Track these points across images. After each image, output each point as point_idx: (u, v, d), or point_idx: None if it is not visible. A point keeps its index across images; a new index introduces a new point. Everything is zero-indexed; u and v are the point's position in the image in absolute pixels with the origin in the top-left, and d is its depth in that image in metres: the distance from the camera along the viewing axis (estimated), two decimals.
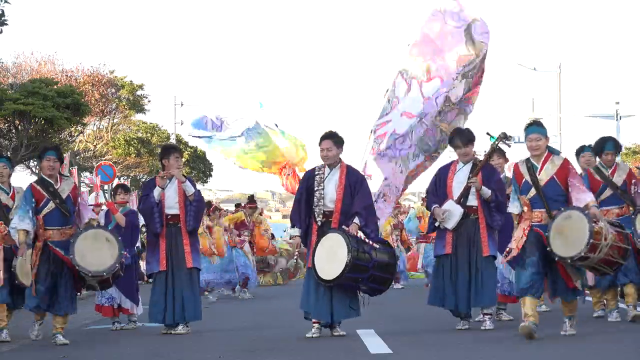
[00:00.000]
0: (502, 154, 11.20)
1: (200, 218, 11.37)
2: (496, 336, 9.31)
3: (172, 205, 10.96)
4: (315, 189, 10.09)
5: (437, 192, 10.39)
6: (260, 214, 20.77)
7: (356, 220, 9.90)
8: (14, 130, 26.08)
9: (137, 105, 40.40)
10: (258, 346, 9.36)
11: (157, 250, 10.96)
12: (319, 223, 10.04)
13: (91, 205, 14.55)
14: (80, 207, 10.20)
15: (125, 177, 40.76)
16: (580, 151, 11.35)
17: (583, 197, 8.93)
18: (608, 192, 10.49)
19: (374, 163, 12.59)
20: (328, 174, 10.14)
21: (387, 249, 10.02)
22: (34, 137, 25.49)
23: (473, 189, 10.15)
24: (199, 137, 17.19)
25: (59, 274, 9.96)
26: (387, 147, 12.53)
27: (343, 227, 9.85)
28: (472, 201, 10.20)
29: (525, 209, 9.05)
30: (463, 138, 10.35)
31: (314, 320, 10.00)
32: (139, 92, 40.53)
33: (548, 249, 8.81)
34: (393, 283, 18.17)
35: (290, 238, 39.81)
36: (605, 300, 10.73)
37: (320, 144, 10.23)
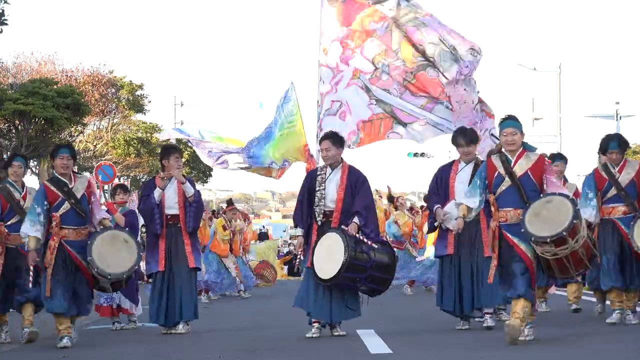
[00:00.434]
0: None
1: (200, 219, 11.36)
2: (496, 336, 9.29)
3: (171, 205, 10.95)
4: (317, 189, 10.10)
5: (439, 192, 10.39)
6: (245, 218, 20.54)
7: (356, 219, 9.91)
8: (14, 130, 26.13)
9: (137, 105, 40.43)
10: (258, 346, 9.36)
11: (157, 250, 10.97)
12: (319, 223, 10.05)
13: None
14: (93, 206, 9.93)
15: (125, 177, 40.79)
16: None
17: (559, 192, 8.61)
18: (614, 190, 10.25)
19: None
20: (329, 174, 10.15)
21: (387, 250, 10.01)
22: (34, 137, 25.54)
23: None
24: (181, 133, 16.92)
25: (76, 274, 9.73)
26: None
27: (342, 226, 9.86)
28: None
29: (492, 208, 8.75)
30: (466, 137, 10.35)
31: (314, 320, 10.00)
32: (138, 92, 40.56)
33: (522, 230, 8.46)
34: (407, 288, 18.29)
35: (291, 238, 39.89)
36: (621, 301, 10.26)
37: (320, 144, 10.28)
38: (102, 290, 10.21)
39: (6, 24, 18.32)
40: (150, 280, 11.60)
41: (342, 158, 10.23)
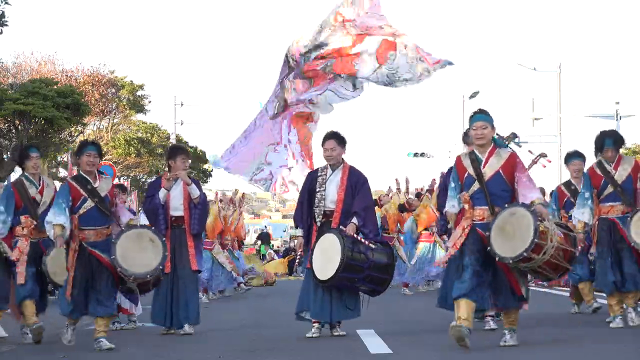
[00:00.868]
0: None
1: (205, 221, 11.27)
2: (496, 336, 9.29)
3: (177, 206, 10.87)
4: (317, 190, 10.11)
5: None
6: (240, 205, 19.94)
7: (354, 220, 9.92)
8: (14, 130, 26.12)
9: (137, 105, 40.44)
10: (258, 346, 9.36)
11: None
12: (319, 223, 10.06)
13: None
14: (118, 209, 9.70)
15: (126, 177, 40.76)
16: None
17: (530, 193, 8.29)
18: (610, 188, 10.01)
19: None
20: (330, 175, 10.15)
21: (386, 250, 10.01)
22: (34, 137, 25.52)
23: None
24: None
25: (99, 274, 9.39)
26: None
27: (340, 227, 9.86)
28: None
29: (466, 206, 8.45)
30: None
31: (314, 320, 10.01)
32: (139, 92, 40.58)
33: (488, 248, 8.18)
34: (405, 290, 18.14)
35: (291, 238, 39.86)
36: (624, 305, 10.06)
37: (323, 144, 10.22)
38: (129, 291, 9.97)
39: (6, 25, 18.35)
40: None
41: (343, 158, 10.24)
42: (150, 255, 9.40)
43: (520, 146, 10.61)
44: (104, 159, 35.54)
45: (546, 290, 17.83)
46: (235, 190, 20.10)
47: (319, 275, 9.75)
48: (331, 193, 10.08)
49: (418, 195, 19.38)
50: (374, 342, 9.12)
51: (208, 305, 16.11)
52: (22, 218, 10.09)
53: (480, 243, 8.32)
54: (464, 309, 8.21)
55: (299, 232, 10.26)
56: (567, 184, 12.07)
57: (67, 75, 35.85)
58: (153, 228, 9.98)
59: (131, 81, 40.00)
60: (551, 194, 13.55)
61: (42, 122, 25.77)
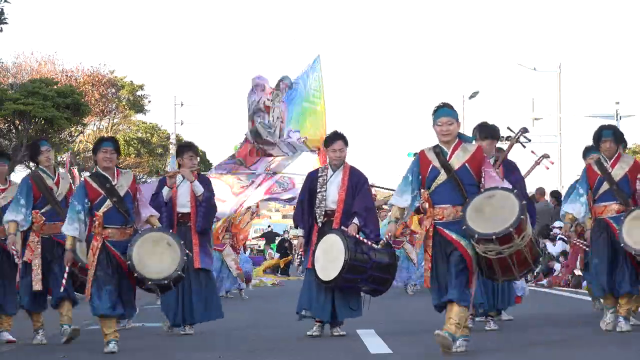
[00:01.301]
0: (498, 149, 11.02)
1: (211, 219, 11.15)
2: (496, 336, 9.30)
3: (184, 203, 10.80)
4: (318, 190, 10.12)
5: None
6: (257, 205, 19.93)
7: (355, 220, 9.92)
8: (14, 130, 26.13)
9: (137, 105, 40.42)
10: (258, 346, 9.36)
11: None
12: (320, 224, 10.07)
13: None
14: (139, 204, 9.24)
15: None
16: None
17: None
18: (606, 185, 9.68)
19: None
20: (331, 176, 10.16)
21: (387, 250, 10.00)
22: (34, 137, 25.52)
23: None
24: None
25: (121, 274, 9.04)
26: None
27: (342, 227, 9.86)
28: None
29: (426, 205, 7.99)
30: (482, 132, 9.99)
31: (317, 319, 10.03)
32: (139, 92, 40.55)
33: (463, 227, 7.72)
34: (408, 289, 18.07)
35: (291, 238, 39.86)
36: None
37: (332, 144, 10.12)
38: (150, 291, 9.54)
39: (6, 23, 18.34)
40: None
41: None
42: (166, 260, 9.03)
43: (524, 146, 10.54)
44: None
45: (546, 290, 17.84)
46: None
47: (322, 276, 9.74)
48: (332, 193, 10.08)
49: None
50: (374, 342, 9.12)
51: None
52: (32, 213, 9.94)
53: (448, 245, 7.93)
54: (454, 312, 7.95)
55: (300, 232, 10.27)
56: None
57: (67, 75, 35.83)
58: (171, 231, 9.73)
59: (131, 81, 39.98)
60: (552, 193, 13.51)
61: (42, 122, 25.78)
